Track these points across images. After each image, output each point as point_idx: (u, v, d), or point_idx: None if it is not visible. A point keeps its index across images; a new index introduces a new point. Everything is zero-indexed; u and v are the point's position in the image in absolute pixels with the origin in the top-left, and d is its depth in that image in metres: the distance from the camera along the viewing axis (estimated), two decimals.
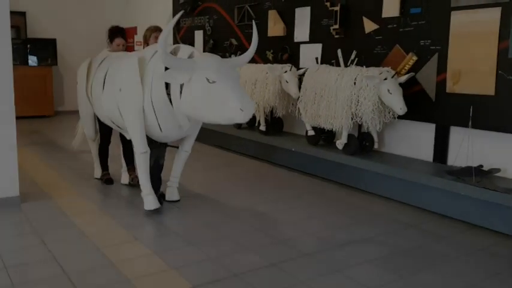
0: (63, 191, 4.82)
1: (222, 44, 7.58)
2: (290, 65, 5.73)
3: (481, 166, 4.12)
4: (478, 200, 3.86)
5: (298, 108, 5.43)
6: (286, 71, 5.64)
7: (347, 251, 3.44)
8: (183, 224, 4.02)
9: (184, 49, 3.89)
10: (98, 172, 5.20)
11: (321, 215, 4.25)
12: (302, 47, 6.04)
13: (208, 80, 3.47)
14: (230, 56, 7.25)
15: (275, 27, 6.41)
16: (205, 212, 4.26)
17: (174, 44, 6.83)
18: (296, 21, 6.10)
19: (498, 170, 4.08)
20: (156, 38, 4.48)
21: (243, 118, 3.42)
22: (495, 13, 3.99)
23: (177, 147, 4.38)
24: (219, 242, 3.57)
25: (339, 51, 5.24)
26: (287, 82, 5.62)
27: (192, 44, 8.36)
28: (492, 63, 4.04)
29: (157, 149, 4.29)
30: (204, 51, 7.95)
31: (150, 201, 4.09)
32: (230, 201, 4.57)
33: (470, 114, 4.17)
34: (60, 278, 2.93)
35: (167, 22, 8.30)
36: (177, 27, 8.69)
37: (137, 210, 4.22)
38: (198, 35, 8.22)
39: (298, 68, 5.84)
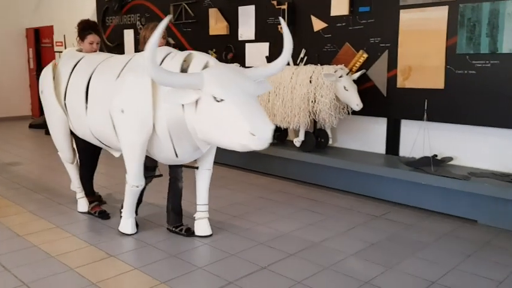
0: (5, 209, 4.36)
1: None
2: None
3: (436, 156, 4.39)
4: (438, 188, 4.10)
5: None
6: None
7: (327, 247, 3.49)
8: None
9: (199, 58, 3.18)
10: (83, 204, 4.23)
11: (290, 213, 4.26)
12: (248, 46, 6.00)
13: (215, 98, 2.84)
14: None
15: (217, 25, 6.32)
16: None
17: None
18: (240, 20, 6.06)
19: (451, 159, 4.37)
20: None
21: (256, 145, 2.79)
22: (443, 11, 4.26)
23: (196, 168, 3.64)
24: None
25: None
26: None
27: (121, 43, 8.00)
28: (441, 58, 4.31)
29: (173, 169, 3.70)
30: (135, 51, 7.64)
31: (129, 224, 3.69)
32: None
33: (425, 108, 4.42)
34: None
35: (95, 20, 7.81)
36: (102, 26, 8.23)
37: (99, 223, 3.93)
38: (128, 34, 7.86)
39: (245, 67, 5.81)
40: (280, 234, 3.73)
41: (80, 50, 4.11)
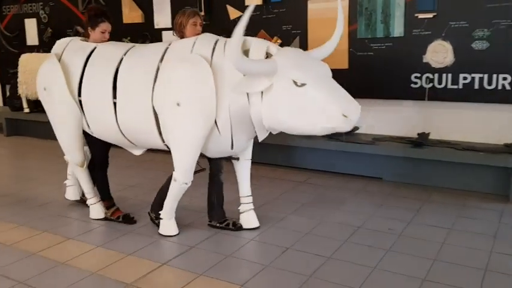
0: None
1: (64, 33, 7.16)
2: None
3: None
4: (349, 153, 4.83)
5: None
6: None
7: (269, 209, 4.00)
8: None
9: (257, 44, 3.05)
10: (98, 209, 3.85)
11: (227, 187, 4.71)
12: (165, 34, 6.24)
13: (295, 82, 2.78)
14: None
15: (130, 14, 6.45)
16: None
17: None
18: (155, 8, 6.26)
19: (357, 128, 5.12)
20: (195, 25, 3.40)
21: (347, 126, 2.78)
22: (344, 2, 4.95)
23: (237, 159, 3.54)
24: None
25: None
26: None
27: (23, 34, 7.68)
28: (345, 43, 5.01)
29: (215, 162, 3.53)
30: (41, 41, 7.43)
31: (172, 225, 3.47)
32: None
33: None
34: None
35: None
36: None
37: (116, 230, 3.94)
38: (30, 24, 7.58)
39: None
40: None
41: (85, 40, 3.72)
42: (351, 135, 5.03)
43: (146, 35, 6.37)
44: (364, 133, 5.13)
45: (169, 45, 3.32)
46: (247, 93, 2.97)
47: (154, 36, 6.31)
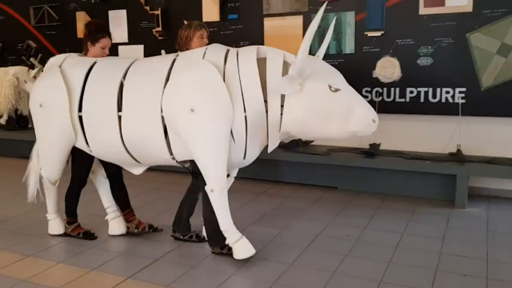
0: None
1: (14, 47, 7.04)
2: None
3: (301, 139, 5.30)
4: (306, 164, 5.01)
5: None
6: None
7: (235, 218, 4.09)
8: None
9: (274, 52, 3.10)
10: (57, 225, 3.77)
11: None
12: (121, 48, 6.25)
13: (330, 87, 2.92)
14: (28, 60, 6.88)
15: None
16: None
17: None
18: (111, 23, 6.26)
19: (313, 140, 5.32)
20: (202, 37, 3.42)
21: (372, 130, 2.99)
22: (298, 20, 5.17)
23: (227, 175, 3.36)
24: None
25: (163, 52, 5.70)
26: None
27: None
28: None
29: (200, 179, 3.35)
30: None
31: (245, 245, 3.19)
32: None
33: None
34: None
35: None
36: None
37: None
38: None
39: None
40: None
41: (83, 55, 3.62)
42: (307, 146, 5.22)
43: None
44: (320, 144, 5.34)
45: (177, 56, 3.27)
46: (265, 101, 3.03)
47: (110, 50, 6.28)
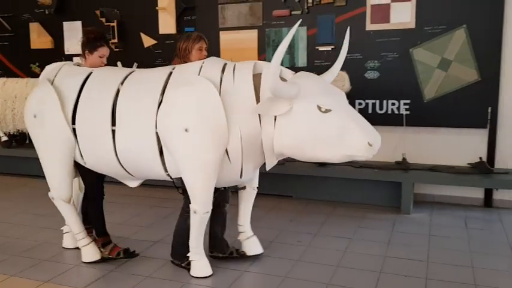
0: None
1: None
2: None
3: None
4: (262, 174, 5.12)
5: None
6: None
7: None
8: None
9: (246, 67, 3.03)
10: (92, 251, 3.45)
11: (141, 211, 4.79)
12: (76, 60, 6.19)
13: (320, 108, 2.75)
14: None
15: (39, 39, 6.36)
16: None
17: None
18: (65, 34, 6.24)
19: None
20: (201, 50, 3.35)
21: (369, 155, 2.75)
22: (253, 34, 5.34)
23: (243, 188, 3.49)
24: None
25: (119, 64, 5.74)
26: None
27: None
28: None
29: (222, 193, 3.34)
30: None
31: (205, 264, 3.23)
32: None
33: None
34: None
35: None
36: None
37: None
38: None
39: None
40: (147, 225, 4.27)
41: (78, 65, 3.54)
42: None
43: (56, 61, 6.28)
44: None
45: (173, 69, 3.19)
46: (259, 119, 2.93)
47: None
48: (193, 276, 3.21)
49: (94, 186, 3.48)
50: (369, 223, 4.30)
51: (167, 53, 5.76)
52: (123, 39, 5.94)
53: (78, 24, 6.17)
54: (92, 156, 3.29)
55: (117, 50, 5.93)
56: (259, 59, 5.33)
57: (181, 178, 3.16)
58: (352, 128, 2.73)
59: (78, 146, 3.29)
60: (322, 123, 2.75)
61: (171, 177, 3.20)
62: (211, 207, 3.11)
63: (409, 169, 4.70)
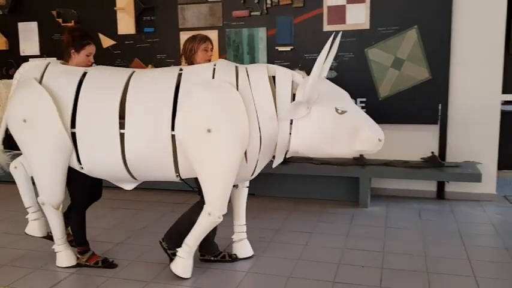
0: None
1: None
2: None
3: None
4: None
5: None
6: None
7: (150, 232, 4.19)
8: None
9: (282, 71, 3.09)
10: (68, 256, 3.42)
11: (104, 214, 4.77)
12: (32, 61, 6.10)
13: (337, 110, 2.94)
14: None
15: None
16: None
17: None
18: (21, 36, 6.11)
19: None
20: (206, 50, 3.39)
21: (378, 148, 3.01)
22: (214, 34, 5.38)
23: (235, 186, 3.49)
24: None
25: None
26: None
27: None
28: None
29: None
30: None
31: (190, 266, 3.22)
32: None
33: None
34: None
35: None
36: None
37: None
38: None
39: None
40: (108, 227, 4.26)
41: (65, 64, 3.31)
42: None
43: (11, 62, 6.18)
44: None
45: (181, 70, 3.14)
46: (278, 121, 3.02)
47: (20, 63, 6.11)
48: (172, 272, 3.19)
49: (80, 193, 3.38)
50: (328, 217, 4.45)
51: (126, 54, 5.74)
52: None
53: (34, 25, 6.04)
54: (91, 161, 3.14)
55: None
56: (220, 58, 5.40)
57: (195, 179, 3.18)
58: (365, 127, 2.97)
59: (77, 150, 3.14)
60: (340, 123, 2.94)
61: (181, 179, 3.18)
62: (225, 211, 3.08)
63: (366, 165, 4.88)
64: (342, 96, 3.07)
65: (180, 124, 2.97)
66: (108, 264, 3.43)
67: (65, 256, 3.42)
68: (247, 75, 3.06)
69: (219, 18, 5.41)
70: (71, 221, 3.45)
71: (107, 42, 5.78)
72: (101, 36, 5.78)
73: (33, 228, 3.56)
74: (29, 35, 6.07)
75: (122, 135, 3.06)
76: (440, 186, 5.05)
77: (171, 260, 3.28)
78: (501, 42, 4.75)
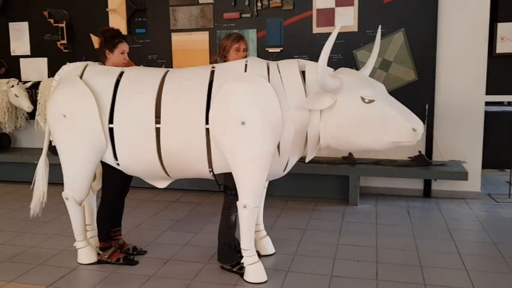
0: None
1: None
2: (15, 79, 5.81)
3: None
4: None
5: (37, 120, 5.60)
6: (13, 86, 5.71)
7: (145, 229, 4.24)
8: None
9: (313, 65, 3.09)
10: (88, 253, 3.45)
11: None
12: (23, 61, 6.09)
13: (363, 99, 2.85)
14: None
15: None
16: None
17: None
18: (11, 35, 6.08)
19: None
20: (238, 50, 3.37)
21: (415, 140, 2.85)
22: (204, 35, 5.47)
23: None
24: None
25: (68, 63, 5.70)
26: (17, 96, 5.69)
27: None
28: None
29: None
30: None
31: (260, 270, 3.16)
32: None
33: None
34: None
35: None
36: None
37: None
38: None
39: (22, 82, 5.94)
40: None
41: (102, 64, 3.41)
42: None
43: (2, 61, 6.15)
44: None
45: (213, 68, 3.20)
46: (309, 112, 3.00)
47: (11, 63, 6.12)
48: (249, 282, 3.13)
49: (112, 191, 3.42)
50: (320, 215, 4.56)
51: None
52: (72, 41, 5.87)
53: (24, 25, 6.04)
54: (128, 157, 3.21)
55: (66, 51, 5.86)
56: (210, 61, 5.48)
57: (223, 174, 3.22)
58: (395, 115, 2.84)
59: (114, 147, 3.22)
60: (367, 113, 2.86)
61: (213, 174, 3.21)
62: (258, 204, 3.11)
63: (355, 163, 5.00)
64: (369, 86, 2.93)
65: (214, 117, 3.01)
66: (129, 261, 3.46)
67: (85, 253, 3.47)
68: (278, 70, 3.10)
69: (210, 20, 5.48)
70: (97, 215, 3.49)
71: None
72: (92, 36, 5.80)
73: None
74: (19, 35, 6.05)
75: (157, 131, 3.13)
76: (427, 184, 5.21)
77: (242, 274, 3.21)
78: (484, 45, 4.93)
